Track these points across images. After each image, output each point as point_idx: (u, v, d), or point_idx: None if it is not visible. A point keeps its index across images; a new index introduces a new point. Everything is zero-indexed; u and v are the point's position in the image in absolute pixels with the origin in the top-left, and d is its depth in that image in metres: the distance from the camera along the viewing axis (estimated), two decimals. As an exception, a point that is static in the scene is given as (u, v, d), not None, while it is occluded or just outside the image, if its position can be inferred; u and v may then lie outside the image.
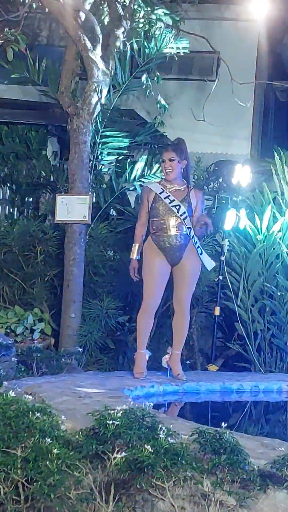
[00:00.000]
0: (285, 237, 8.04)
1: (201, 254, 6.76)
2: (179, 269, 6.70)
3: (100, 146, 9.12)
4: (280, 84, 12.64)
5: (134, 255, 6.77)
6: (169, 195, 6.65)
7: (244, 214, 8.24)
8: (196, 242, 6.70)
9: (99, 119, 8.71)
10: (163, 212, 6.64)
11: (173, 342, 6.86)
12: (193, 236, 6.65)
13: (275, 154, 8.46)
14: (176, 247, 6.62)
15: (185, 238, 6.63)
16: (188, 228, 6.64)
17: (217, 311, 8.08)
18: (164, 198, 6.64)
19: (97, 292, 8.26)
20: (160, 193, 6.67)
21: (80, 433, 3.63)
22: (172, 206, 6.62)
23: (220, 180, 8.88)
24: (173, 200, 6.63)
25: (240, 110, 11.26)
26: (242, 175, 8.50)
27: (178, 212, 6.60)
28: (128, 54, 9.36)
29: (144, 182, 9.58)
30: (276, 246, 8.02)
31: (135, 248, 6.78)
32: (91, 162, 8.65)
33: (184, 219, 6.61)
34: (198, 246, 6.72)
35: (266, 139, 14.23)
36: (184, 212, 6.61)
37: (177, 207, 6.61)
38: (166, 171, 6.70)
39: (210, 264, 6.93)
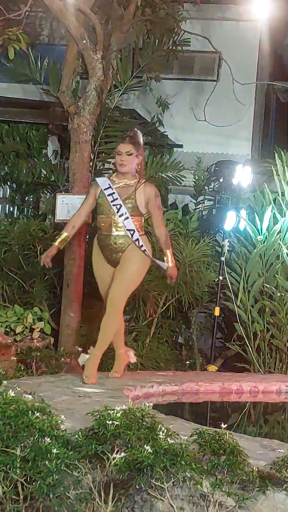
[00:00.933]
0: (286, 237, 8.04)
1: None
2: (117, 267, 6.23)
3: (101, 146, 9.13)
4: (281, 85, 12.66)
5: (56, 241, 6.38)
6: (113, 193, 6.17)
7: (244, 215, 8.25)
8: (142, 245, 6.16)
9: (100, 118, 8.71)
10: (107, 210, 6.19)
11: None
12: (137, 239, 6.13)
13: (276, 154, 8.46)
14: (113, 249, 6.21)
15: (125, 240, 6.16)
16: (129, 230, 6.13)
17: (216, 312, 8.08)
18: (108, 195, 6.17)
19: (97, 292, 8.23)
20: (105, 189, 6.20)
21: (80, 433, 3.62)
22: (113, 204, 6.15)
23: (221, 180, 8.87)
24: (116, 198, 6.16)
25: (241, 111, 11.29)
26: (243, 176, 8.50)
27: (117, 212, 6.13)
28: (129, 53, 9.37)
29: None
30: (276, 246, 8.02)
31: (61, 236, 6.36)
32: (91, 161, 8.64)
33: (124, 220, 6.13)
34: (145, 250, 6.18)
35: (266, 139, 14.24)
36: (124, 213, 6.12)
37: (118, 206, 6.15)
38: (120, 163, 6.18)
39: (163, 264, 6.40)
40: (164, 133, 11.48)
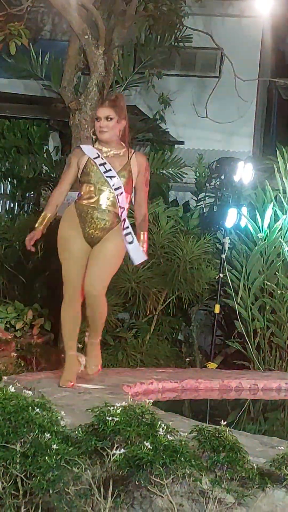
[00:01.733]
0: (287, 235, 8.03)
1: (130, 243, 5.42)
2: (96, 247, 5.44)
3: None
4: (283, 82, 12.64)
5: (39, 224, 5.59)
6: (104, 163, 5.41)
7: (245, 212, 8.24)
8: (127, 227, 5.40)
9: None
10: (96, 180, 5.41)
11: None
12: (124, 219, 5.40)
13: (278, 151, 8.45)
14: (97, 225, 5.41)
15: (113, 218, 5.43)
16: (121, 207, 5.40)
17: (217, 309, 8.07)
18: (99, 165, 5.41)
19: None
20: (94, 158, 5.43)
21: (80, 429, 3.62)
22: (107, 176, 5.39)
23: (222, 177, 8.85)
24: (109, 169, 5.40)
25: (243, 107, 11.28)
26: (244, 173, 8.49)
27: (112, 185, 5.39)
28: (131, 49, 9.36)
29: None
30: (277, 244, 8.01)
31: (44, 217, 5.58)
32: (93, 157, 8.62)
33: (118, 195, 5.39)
34: (129, 233, 5.41)
35: (268, 136, 14.24)
36: (120, 187, 5.39)
37: (112, 178, 5.39)
38: (100, 130, 5.44)
39: (138, 256, 5.50)
40: (166, 129, 11.48)
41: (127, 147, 5.54)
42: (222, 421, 3.74)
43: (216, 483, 3.46)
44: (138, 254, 5.47)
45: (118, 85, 9.51)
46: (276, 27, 12.38)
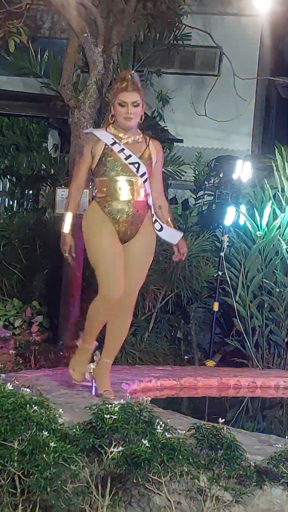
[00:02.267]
0: (285, 233, 8.03)
1: (160, 230, 5.03)
2: (128, 248, 5.01)
3: (101, 140, 9.09)
4: (282, 80, 12.64)
5: (67, 228, 5.07)
6: (123, 149, 4.94)
7: (244, 210, 8.25)
8: (154, 214, 5.01)
9: (100, 112, 8.69)
10: (120, 169, 4.94)
11: (105, 347, 5.29)
12: (150, 207, 5.01)
13: (276, 150, 8.45)
14: (130, 219, 4.95)
15: (143, 207, 4.98)
16: (147, 194, 4.99)
17: (215, 307, 8.08)
18: (118, 152, 4.93)
19: (96, 286, 8.22)
20: (111, 145, 4.95)
21: (78, 426, 3.63)
22: (129, 163, 4.92)
23: (221, 175, 8.85)
24: (130, 155, 4.93)
25: (242, 106, 11.29)
26: (243, 171, 8.49)
27: (137, 171, 4.93)
28: (130, 47, 9.35)
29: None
30: (276, 242, 8.01)
31: (68, 218, 5.08)
32: (91, 155, 8.63)
33: (144, 182, 4.95)
34: (156, 220, 5.02)
35: (267, 135, 14.24)
36: (145, 173, 4.94)
37: (136, 165, 4.92)
38: (126, 116, 4.94)
39: (173, 236, 5.11)
40: (165, 127, 11.47)
41: (143, 133, 5.14)
42: (220, 418, 3.75)
43: (214, 481, 3.47)
44: (172, 233, 5.06)
45: (117, 83, 9.49)
46: (275, 26, 12.38)
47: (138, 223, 4.97)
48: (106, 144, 4.96)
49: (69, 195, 5.16)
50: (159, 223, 5.00)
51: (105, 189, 4.98)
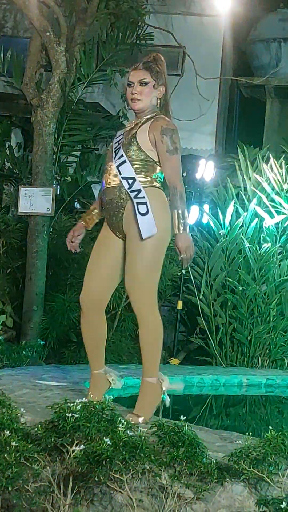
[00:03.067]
0: (248, 232, 8.09)
1: (143, 214, 4.36)
2: (126, 245, 4.50)
3: (64, 139, 9.10)
4: (245, 80, 12.72)
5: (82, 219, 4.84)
6: (121, 134, 4.59)
7: (207, 209, 8.29)
8: (143, 197, 4.39)
9: (63, 111, 8.68)
10: (108, 157, 4.62)
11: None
12: (137, 191, 4.40)
13: (239, 149, 8.51)
14: (112, 207, 4.50)
15: (123, 194, 4.46)
16: (125, 178, 4.42)
17: (179, 305, 8.11)
18: (115, 143, 4.59)
19: (60, 285, 8.23)
20: (116, 137, 4.65)
21: (39, 426, 3.62)
22: (114, 149, 4.54)
23: (184, 174, 8.88)
24: (117, 142, 4.56)
25: (205, 105, 11.34)
26: (206, 170, 8.54)
27: (114, 157, 4.50)
28: (93, 46, 9.34)
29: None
30: (239, 241, 8.07)
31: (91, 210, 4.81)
32: (55, 154, 8.62)
33: (118, 166, 4.45)
34: (143, 203, 4.39)
35: (230, 134, 14.32)
36: (121, 156, 4.45)
37: (117, 150, 4.51)
38: (132, 97, 4.49)
39: (147, 228, 4.37)
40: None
41: (157, 116, 4.50)
42: (182, 416, 3.77)
43: (175, 478, 3.48)
44: (148, 226, 4.36)
45: (80, 82, 9.48)
46: (237, 26, 12.46)
47: (118, 212, 4.48)
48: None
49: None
50: (147, 208, 4.37)
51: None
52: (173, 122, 4.52)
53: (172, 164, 4.44)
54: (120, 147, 4.48)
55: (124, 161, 4.42)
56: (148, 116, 4.51)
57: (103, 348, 4.92)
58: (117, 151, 4.48)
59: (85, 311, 4.86)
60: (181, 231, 4.42)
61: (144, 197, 4.37)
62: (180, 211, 4.40)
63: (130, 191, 4.40)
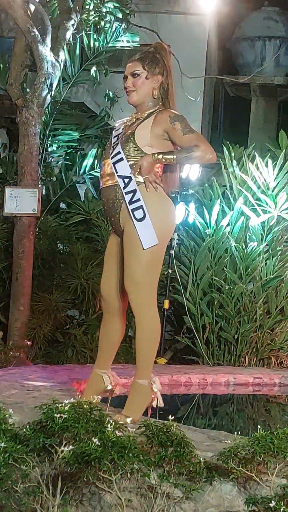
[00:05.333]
0: (234, 231, 8.10)
1: (140, 220, 4.25)
2: (123, 243, 4.41)
3: (49, 139, 9.10)
4: (230, 79, 12.74)
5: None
6: (121, 127, 4.52)
7: (193, 208, 8.30)
8: (137, 200, 4.27)
9: (48, 111, 8.67)
10: (106, 153, 4.52)
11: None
12: (130, 192, 4.28)
13: (224, 148, 8.52)
14: (109, 208, 4.43)
15: (119, 194, 4.37)
16: (121, 177, 4.32)
17: (166, 305, 8.11)
18: (113, 138, 4.50)
19: (46, 285, 8.23)
20: (115, 131, 4.56)
21: (28, 426, 3.61)
22: (113, 143, 4.44)
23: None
24: (115, 136, 4.47)
25: (190, 104, 11.31)
26: (192, 169, 8.54)
27: (111, 154, 4.41)
28: (78, 46, 9.33)
29: (93, 176, 9.59)
30: (225, 240, 8.08)
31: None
32: (40, 154, 8.61)
33: (114, 163, 4.35)
34: (139, 208, 4.26)
35: (215, 133, 14.33)
36: (118, 153, 4.34)
37: (115, 146, 4.40)
38: (127, 91, 4.45)
39: (148, 238, 4.26)
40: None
41: (160, 110, 4.40)
42: (171, 416, 3.77)
43: (164, 478, 3.48)
44: (148, 234, 4.24)
45: (65, 82, 9.47)
46: (222, 25, 12.49)
47: (115, 210, 4.40)
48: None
49: None
50: (143, 212, 4.24)
51: None
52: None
53: (191, 137, 4.27)
54: (118, 143, 4.37)
55: (121, 159, 4.31)
56: (150, 111, 4.40)
57: (114, 352, 4.85)
58: (115, 147, 4.37)
59: (105, 311, 4.75)
60: (153, 156, 4.28)
61: (139, 200, 4.25)
62: (173, 156, 4.29)
63: (125, 193, 4.29)
